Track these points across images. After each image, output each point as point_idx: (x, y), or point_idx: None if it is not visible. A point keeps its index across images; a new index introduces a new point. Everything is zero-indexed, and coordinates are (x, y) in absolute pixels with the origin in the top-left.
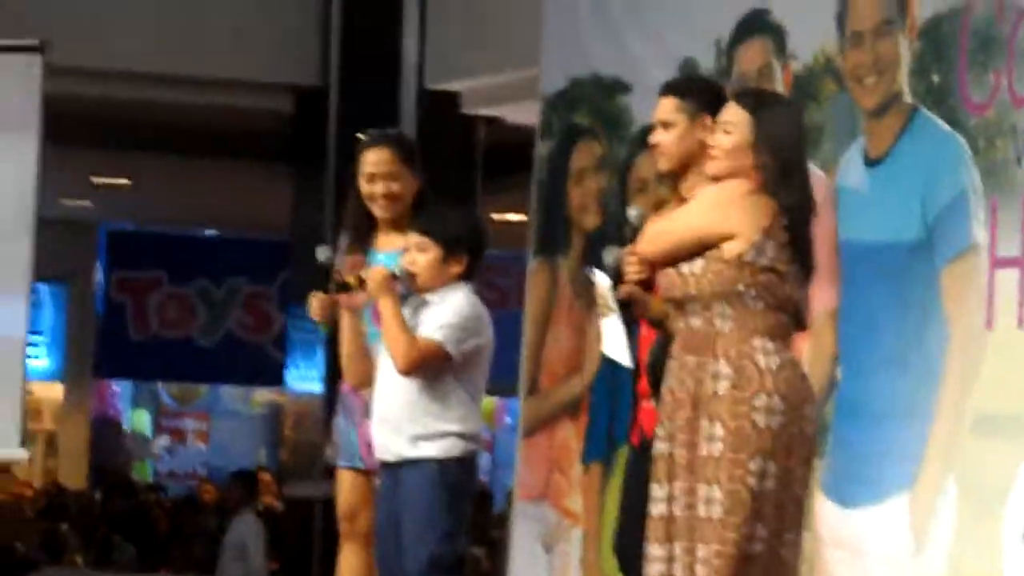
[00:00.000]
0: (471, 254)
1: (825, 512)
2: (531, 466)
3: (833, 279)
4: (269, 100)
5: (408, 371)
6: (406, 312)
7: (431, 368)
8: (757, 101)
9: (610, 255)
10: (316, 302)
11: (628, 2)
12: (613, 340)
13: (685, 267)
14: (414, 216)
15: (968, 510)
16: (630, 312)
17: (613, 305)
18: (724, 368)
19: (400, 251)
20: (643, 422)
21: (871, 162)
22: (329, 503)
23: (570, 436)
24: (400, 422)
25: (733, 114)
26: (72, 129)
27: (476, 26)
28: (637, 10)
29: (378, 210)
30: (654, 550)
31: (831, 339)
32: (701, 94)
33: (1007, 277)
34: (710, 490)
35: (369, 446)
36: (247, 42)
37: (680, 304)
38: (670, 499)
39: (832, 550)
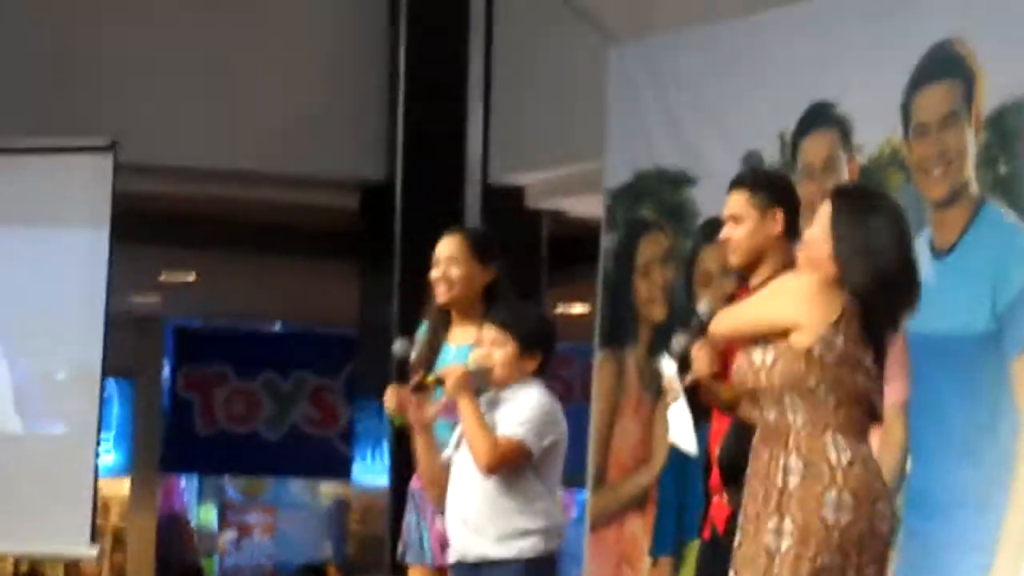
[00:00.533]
0: (544, 350)
1: None
2: (599, 560)
3: (903, 371)
4: (335, 195)
5: (492, 471)
6: (481, 408)
7: (512, 465)
8: (840, 194)
9: (678, 342)
10: (392, 394)
11: (692, 95)
12: (679, 427)
13: (757, 358)
14: (484, 308)
15: None
16: (697, 399)
17: (679, 391)
18: (795, 462)
19: (471, 345)
20: (715, 517)
21: (938, 253)
22: None
23: (638, 530)
24: (482, 522)
25: (820, 209)
26: (140, 225)
27: (540, 120)
28: (701, 103)
29: (438, 295)
30: None
31: (901, 431)
32: (771, 187)
33: None
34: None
35: (442, 544)
36: (312, 138)
37: (754, 396)
38: None
39: None
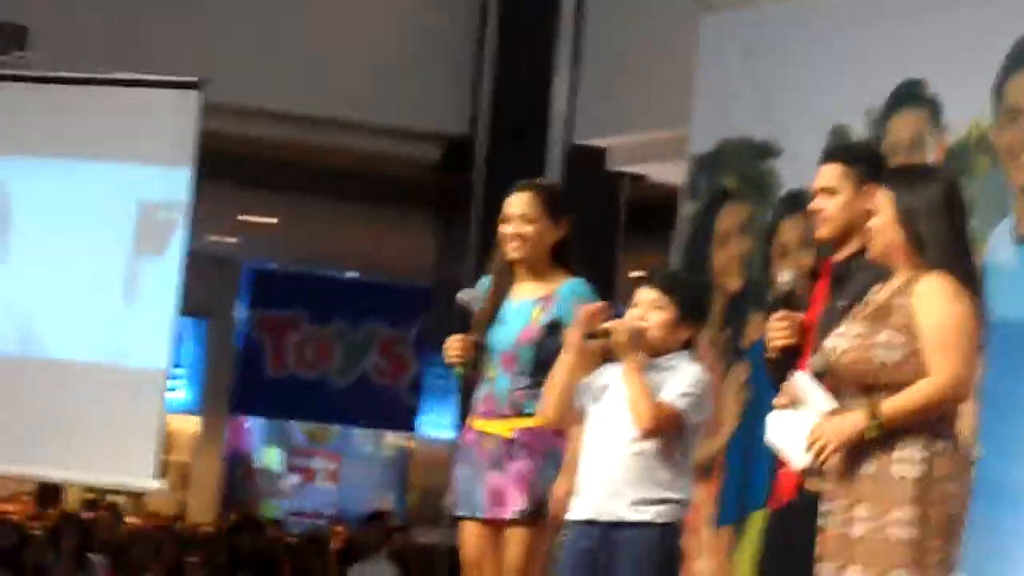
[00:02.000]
0: (700, 321)
1: None
2: None
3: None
4: (417, 147)
5: (651, 434)
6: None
7: (665, 434)
8: (893, 175)
9: (786, 275)
10: (455, 343)
11: (781, 68)
12: (790, 435)
13: (882, 354)
14: (553, 265)
15: None
16: (780, 371)
17: (809, 401)
18: (917, 452)
19: (534, 301)
20: (783, 488)
21: (1021, 239)
22: (454, 551)
23: (702, 498)
24: (622, 486)
25: (880, 196)
26: (221, 166)
27: (627, 83)
28: (789, 76)
29: (509, 251)
30: None
31: (971, 416)
32: (868, 162)
33: None
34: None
35: (494, 496)
36: (398, 89)
37: (869, 390)
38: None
39: None
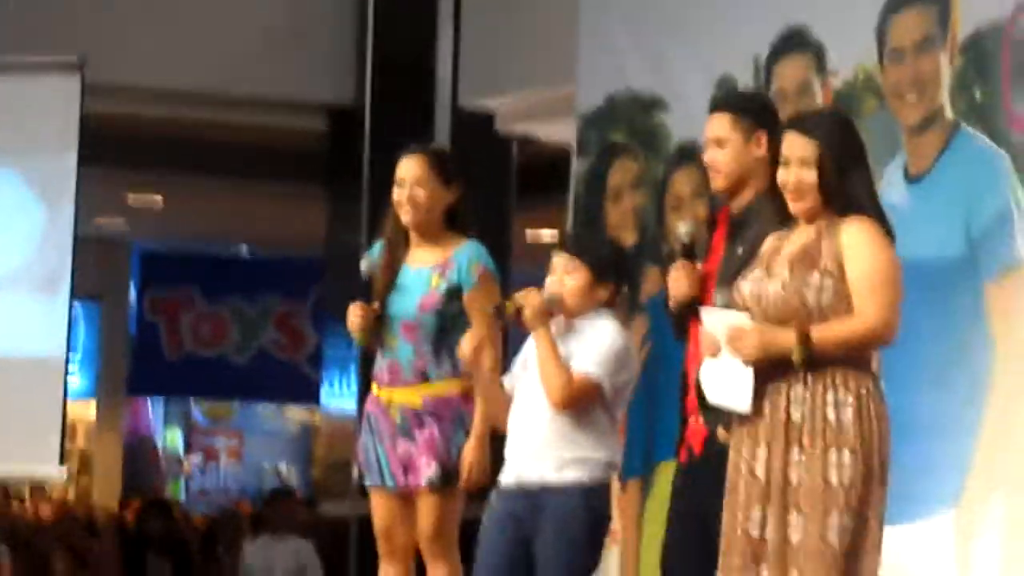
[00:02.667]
0: (618, 279)
1: None
2: None
3: None
4: (303, 119)
5: (565, 407)
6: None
7: (585, 403)
8: (794, 120)
9: (683, 226)
10: (357, 312)
11: (665, 19)
12: (727, 383)
13: (813, 296)
14: (446, 230)
15: (1014, 527)
16: (682, 322)
17: (723, 326)
18: (844, 396)
19: (431, 268)
20: (691, 439)
21: (913, 178)
22: (364, 522)
23: None
24: (544, 448)
25: (786, 141)
26: (106, 147)
27: (511, 44)
28: (674, 27)
29: (403, 216)
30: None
31: (875, 354)
32: (755, 110)
33: None
34: (841, 518)
35: (404, 466)
36: (281, 61)
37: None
38: (763, 523)
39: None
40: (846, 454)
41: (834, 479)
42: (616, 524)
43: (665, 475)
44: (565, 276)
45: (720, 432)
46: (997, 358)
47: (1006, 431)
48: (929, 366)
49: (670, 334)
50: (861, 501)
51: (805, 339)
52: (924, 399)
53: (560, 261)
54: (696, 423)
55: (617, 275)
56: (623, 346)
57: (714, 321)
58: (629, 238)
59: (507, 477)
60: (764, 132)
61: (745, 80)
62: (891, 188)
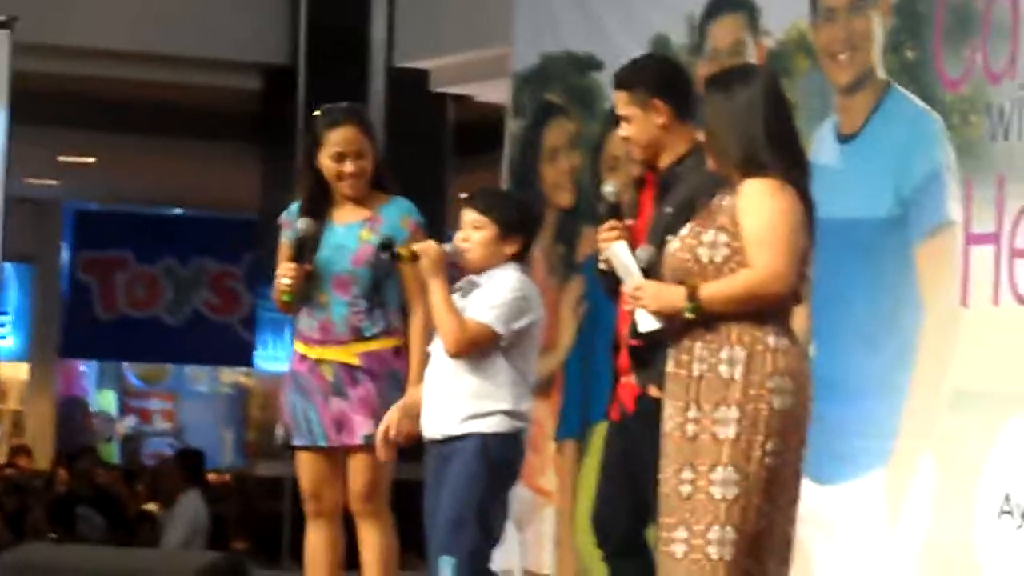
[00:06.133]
0: (525, 235)
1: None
2: None
3: None
4: (237, 79)
5: (457, 354)
6: (456, 295)
7: (481, 349)
8: (708, 81)
9: (609, 186)
10: (287, 272)
11: None
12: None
13: (706, 253)
14: (372, 190)
15: (943, 486)
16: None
17: (625, 272)
18: (739, 352)
19: (360, 223)
20: (623, 397)
21: (844, 138)
22: (294, 482)
23: (543, 414)
24: (449, 401)
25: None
26: (37, 107)
27: (445, 3)
28: None
29: (346, 188)
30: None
31: (805, 316)
32: (646, 80)
33: (982, 254)
34: (725, 472)
35: (337, 424)
36: (215, 20)
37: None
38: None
39: (807, 527)
40: (733, 410)
41: (720, 434)
42: (551, 485)
43: (601, 436)
44: (472, 231)
45: (651, 388)
46: (926, 319)
47: (934, 391)
48: (859, 327)
49: (604, 295)
50: (745, 453)
51: (693, 295)
52: (854, 360)
53: (468, 216)
54: (628, 382)
55: (524, 230)
56: (520, 293)
57: (622, 257)
58: (566, 198)
59: (424, 432)
60: (660, 99)
61: (679, 40)
62: (822, 148)
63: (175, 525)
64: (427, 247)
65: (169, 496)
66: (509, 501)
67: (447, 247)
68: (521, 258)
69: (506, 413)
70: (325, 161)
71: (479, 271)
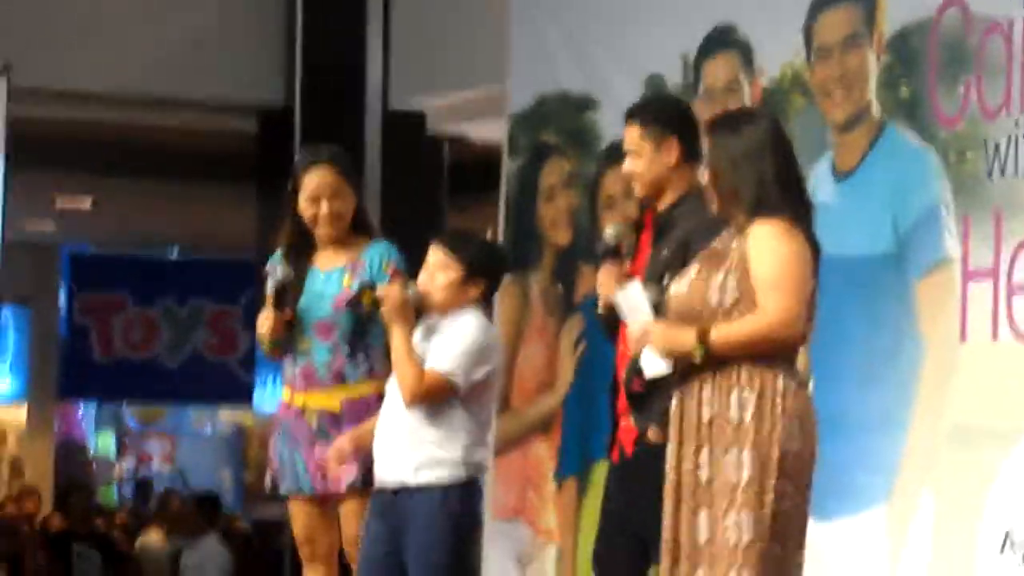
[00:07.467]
0: (490, 278)
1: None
2: (504, 484)
3: None
4: (233, 121)
5: (414, 404)
6: (417, 336)
7: (437, 399)
8: (713, 123)
9: (610, 228)
10: (267, 319)
11: (595, 18)
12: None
13: (715, 296)
14: (353, 232)
15: (944, 521)
16: (611, 324)
17: (634, 311)
18: (748, 395)
19: (342, 267)
20: (622, 440)
21: (841, 175)
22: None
23: (543, 453)
24: (403, 449)
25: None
26: (33, 150)
27: (440, 45)
28: (604, 26)
29: (323, 229)
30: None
31: (804, 353)
32: (662, 117)
33: (980, 290)
34: (737, 516)
35: (321, 471)
36: (210, 63)
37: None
38: (677, 524)
39: (809, 563)
40: (745, 453)
41: (733, 478)
42: (552, 523)
43: (601, 473)
44: (437, 272)
45: (651, 432)
46: (926, 355)
47: (934, 427)
48: (859, 363)
49: (603, 335)
50: (758, 497)
51: (703, 337)
52: (854, 396)
53: (433, 257)
54: (627, 424)
55: (489, 274)
56: (482, 341)
57: (634, 297)
58: (564, 237)
59: (377, 480)
60: (674, 138)
61: (674, 79)
62: (819, 186)
63: (198, 569)
64: (389, 292)
65: (185, 538)
66: (479, 550)
67: (409, 291)
68: (486, 301)
69: (461, 463)
70: (302, 204)
71: (443, 312)
